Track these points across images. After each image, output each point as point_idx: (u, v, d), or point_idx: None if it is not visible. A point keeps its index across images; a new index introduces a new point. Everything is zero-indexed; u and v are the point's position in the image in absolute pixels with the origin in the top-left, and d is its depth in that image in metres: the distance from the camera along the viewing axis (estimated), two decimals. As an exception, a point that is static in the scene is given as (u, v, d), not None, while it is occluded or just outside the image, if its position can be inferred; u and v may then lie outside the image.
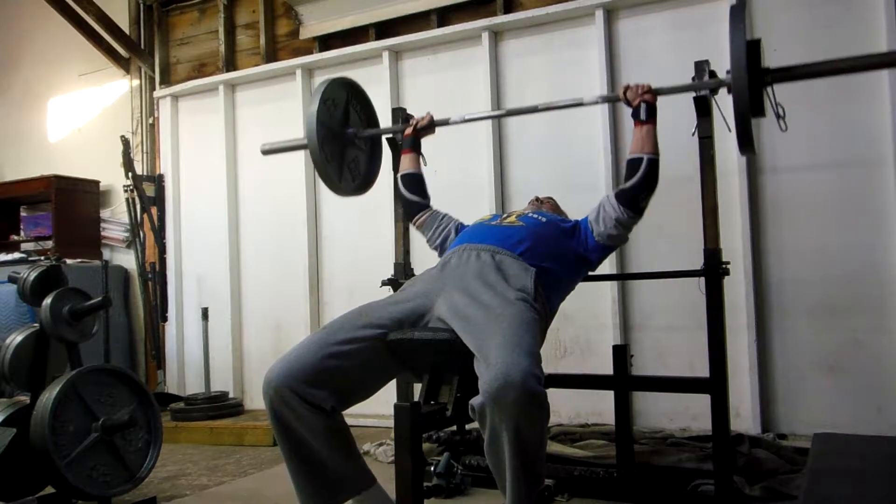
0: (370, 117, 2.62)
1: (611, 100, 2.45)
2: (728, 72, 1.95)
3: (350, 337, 1.86)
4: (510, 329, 1.70)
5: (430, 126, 2.52)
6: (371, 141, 2.63)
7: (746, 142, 1.95)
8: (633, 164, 2.07)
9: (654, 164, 2.06)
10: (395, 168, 2.71)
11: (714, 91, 2.13)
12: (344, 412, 1.91)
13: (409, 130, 2.52)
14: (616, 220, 2.08)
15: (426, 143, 2.67)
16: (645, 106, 2.10)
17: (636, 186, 2.06)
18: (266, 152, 2.71)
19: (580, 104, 2.34)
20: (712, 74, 2.13)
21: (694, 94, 2.13)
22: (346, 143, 2.50)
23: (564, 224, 2.21)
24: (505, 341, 1.65)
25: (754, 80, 1.91)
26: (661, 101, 2.18)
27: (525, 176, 3.52)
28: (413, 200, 2.45)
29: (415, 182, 2.47)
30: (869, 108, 2.89)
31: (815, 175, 2.96)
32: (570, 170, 3.38)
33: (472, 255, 2.03)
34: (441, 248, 2.38)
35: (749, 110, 1.90)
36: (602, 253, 2.17)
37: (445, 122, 2.51)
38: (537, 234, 2.10)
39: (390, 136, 2.69)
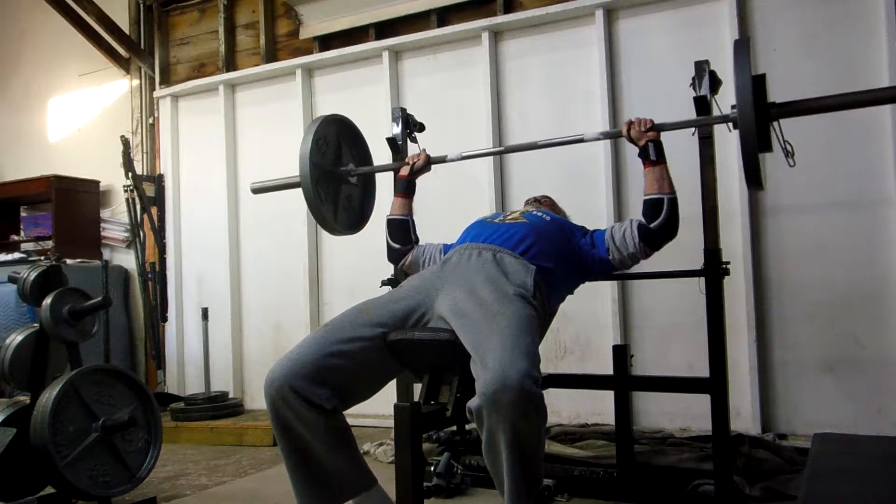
0: (362, 152, 2.60)
1: (613, 136, 2.39)
2: (733, 107, 1.94)
3: (351, 336, 1.86)
4: (508, 329, 1.70)
5: (427, 165, 2.46)
6: (364, 178, 2.61)
7: (754, 178, 1.93)
8: (654, 204, 2.04)
9: (674, 204, 2.04)
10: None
11: (714, 90, 2.13)
12: (344, 412, 1.90)
13: (404, 171, 2.46)
14: (632, 254, 2.08)
15: (426, 142, 2.68)
16: (653, 146, 2.07)
17: (662, 229, 2.04)
18: (256, 191, 2.68)
19: (581, 140, 2.29)
20: (712, 74, 2.12)
21: (694, 96, 2.13)
22: (340, 181, 2.48)
23: (570, 225, 2.20)
24: (502, 342, 1.65)
25: (760, 115, 1.88)
26: (661, 103, 2.18)
27: (525, 175, 3.52)
28: (395, 248, 2.41)
29: (402, 229, 2.41)
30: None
31: (814, 158, 2.96)
32: (570, 168, 3.38)
33: (474, 254, 2.03)
34: (427, 263, 2.36)
35: (756, 147, 1.87)
36: (605, 268, 2.16)
37: (442, 160, 2.46)
38: (540, 233, 2.10)
39: (390, 136, 2.68)
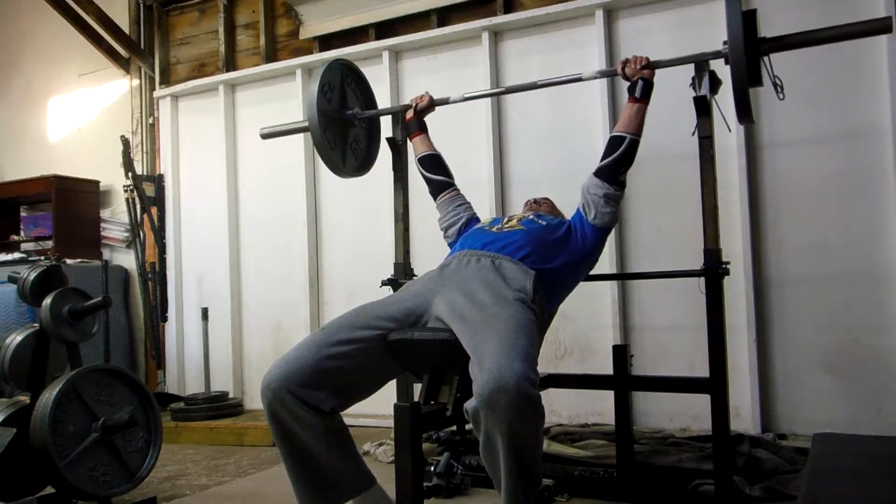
0: (367, 94, 2.67)
1: (610, 74, 2.48)
2: (725, 42, 1.97)
3: (348, 337, 1.86)
4: (505, 331, 1.70)
5: (430, 105, 2.56)
6: (369, 120, 2.69)
7: (745, 110, 2.00)
8: (616, 141, 2.15)
9: (634, 145, 2.14)
10: (395, 168, 2.71)
11: (714, 90, 2.13)
12: (344, 412, 1.91)
13: (409, 114, 2.57)
14: (604, 195, 2.13)
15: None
16: (642, 83, 2.16)
17: (615, 161, 2.13)
18: (266, 136, 2.76)
19: (579, 79, 2.38)
20: (712, 74, 2.13)
21: (694, 95, 2.13)
22: (347, 124, 2.56)
23: (560, 229, 2.21)
24: (500, 344, 1.65)
25: (751, 49, 1.94)
26: (662, 103, 2.18)
27: (525, 170, 3.52)
28: (436, 179, 2.50)
29: (434, 162, 2.51)
30: (868, 92, 2.90)
31: (814, 156, 2.96)
32: (570, 163, 3.37)
33: (472, 260, 2.03)
34: (446, 232, 2.44)
35: (746, 78, 1.93)
36: (600, 238, 2.19)
37: (445, 101, 2.55)
38: (538, 238, 2.11)
39: (390, 136, 2.68)
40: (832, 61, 2.95)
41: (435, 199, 2.51)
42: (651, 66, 2.17)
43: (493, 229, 2.20)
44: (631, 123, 2.14)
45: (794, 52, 2.98)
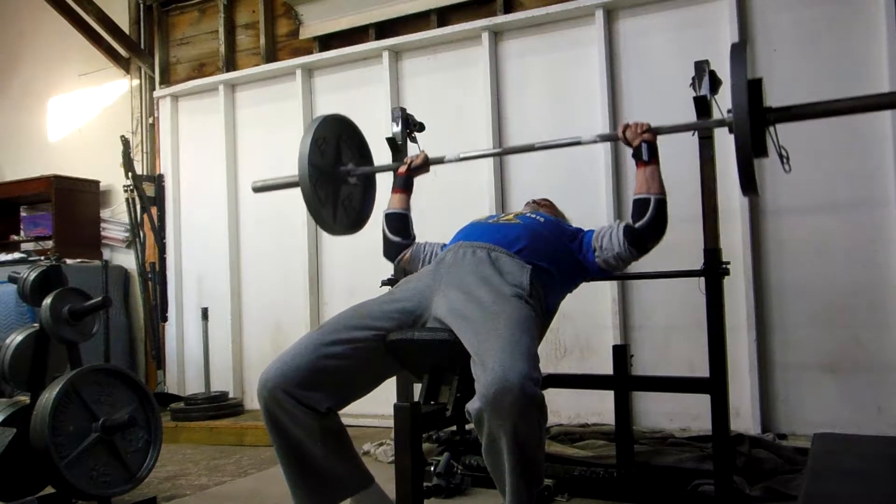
0: (363, 151, 2.58)
1: (610, 139, 2.38)
2: (729, 111, 1.93)
3: (345, 337, 1.86)
4: (507, 330, 1.69)
5: (425, 164, 2.46)
6: (364, 178, 2.59)
7: (750, 184, 1.91)
8: (641, 204, 2.03)
9: (662, 205, 2.03)
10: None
11: (714, 91, 2.13)
12: (343, 412, 1.90)
13: (402, 169, 2.46)
14: (617, 255, 2.06)
15: (426, 142, 2.68)
16: (646, 146, 2.06)
17: (646, 229, 2.02)
18: (257, 190, 2.68)
19: (578, 143, 2.27)
20: (712, 74, 2.12)
21: (694, 96, 2.13)
22: (340, 181, 2.46)
23: (565, 227, 2.20)
24: (501, 343, 1.64)
25: (756, 120, 1.86)
26: (661, 103, 2.18)
27: (525, 177, 3.51)
28: (395, 241, 2.40)
29: (401, 222, 2.41)
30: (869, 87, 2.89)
31: (815, 155, 2.96)
32: (570, 170, 3.38)
33: (468, 252, 2.02)
34: (420, 264, 2.35)
35: (752, 152, 1.86)
36: (595, 272, 2.16)
37: (440, 161, 2.46)
38: (535, 233, 2.10)
39: (390, 136, 2.68)
40: (834, 63, 2.95)
41: (393, 260, 2.43)
42: (652, 131, 2.09)
43: (490, 222, 2.19)
44: (651, 185, 2.03)
45: (795, 51, 3.01)
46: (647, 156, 2.06)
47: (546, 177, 3.42)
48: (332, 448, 1.86)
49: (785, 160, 1.95)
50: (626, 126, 2.12)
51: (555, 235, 2.14)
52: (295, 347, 1.85)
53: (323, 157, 2.38)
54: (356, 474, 1.91)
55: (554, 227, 2.18)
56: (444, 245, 2.33)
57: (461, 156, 2.44)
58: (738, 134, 1.85)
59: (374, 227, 3.75)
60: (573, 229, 2.21)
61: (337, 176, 2.45)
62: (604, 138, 2.47)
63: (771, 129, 1.95)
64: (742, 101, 1.82)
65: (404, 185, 2.45)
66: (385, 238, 2.43)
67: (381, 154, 2.73)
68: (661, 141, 2.10)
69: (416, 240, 2.43)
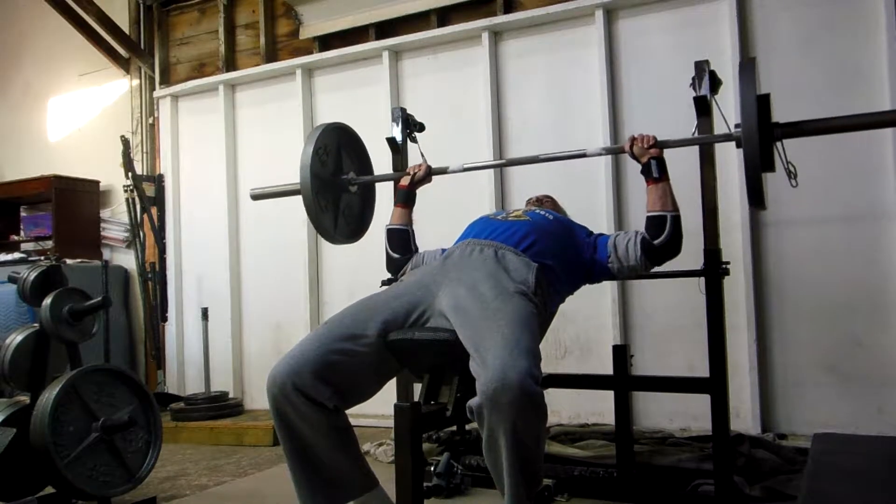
0: (363, 160, 2.59)
1: (615, 151, 2.39)
2: (737, 125, 1.93)
3: (353, 333, 1.86)
4: (508, 326, 1.69)
5: (428, 176, 2.46)
6: (364, 187, 2.60)
7: (757, 197, 1.93)
8: (657, 221, 2.04)
9: (677, 222, 2.04)
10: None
11: (714, 90, 2.13)
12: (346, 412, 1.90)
13: (405, 181, 2.46)
14: (633, 266, 2.08)
15: (426, 142, 2.67)
16: (655, 163, 2.06)
17: (665, 246, 2.03)
18: (256, 198, 2.69)
19: (583, 155, 2.28)
20: (712, 74, 2.13)
21: (694, 96, 2.13)
22: (340, 190, 2.47)
23: (575, 226, 2.20)
24: (502, 340, 1.64)
25: (764, 135, 1.87)
26: (661, 103, 2.18)
27: (525, 177, 3.51)
28: (396, 259, 2.41)
29: (402, 239, 2.42)
30: (871, 99, 2.90)
31: (815, 155, 2.95)
32: (571, 170, 3.37)
33: (476, 250, 2.02)
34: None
35: (760, 167, 1.87)
36: (606, 276, 2.17)
37: (444, 171, 2.46)
38: (543, 230, 2.09)
39: (390, 136, 2.68)
40: (834, 63, 2.95)
41: (395, 274, 2.43)
42: (658, 145, 2.09)
43: (499, 218, 2.19)
44: (665, 203, 2.04)
45: (795, 51, 3.01)
46: (658, 172, 2.07)
47: (546, 176, 3.41)
48: (340, 447, 1.85)
49: (792, 176, 1.96)
50: (633, 140, 2.12)
51: (563, 233, 2.14)
52: (302, 344, 1.85)
53: (324, 167, 2.39)
54: (361, 476, 1.91)
55: (563, 225, 2.18)
56: (444, 250, 2.33)
57: (465, 166, 2.44)
58: (746, 149, 1.86)
59: (375, 227, 3.76)
60: (582, 227, 2.21)
61: (338, 185, 2.46)
62: (609, 151, 2.49)
63: (778, 144, 1.96)
64: (751, 116, 1.83)
65: (406, 200, 2.46)
66: (387, 254, 2.44)
67: (380, 162, 2.73)
68: (661, 139, 2.10)
69: (419, 251, 2.44)
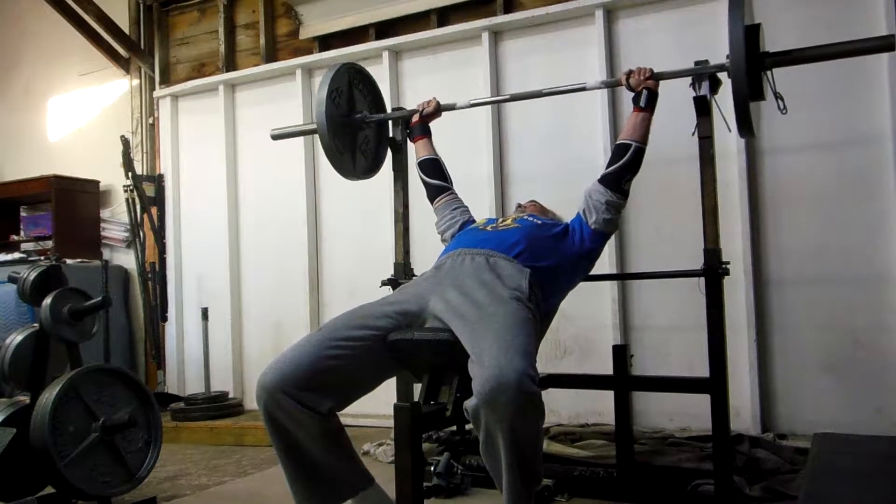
0: (375, 94, 2.70)
1: (613, 84, 2.50)
2: (728, 56, 1.97)
3: (345, 336, 1.86)
4: (504, 329, 1.70)
5: (437, 111, 2.59)
6: (378, 122, 2.70)
7: (746, 124, 1.99)
8: (621, 149, 2.14)
9: (640, 153, 2.14)
10: (395, 168, 2.71)
11: (714, 90, 2.13)
12: (343, 412, 1.90)
13: (415, 118, 2.60)
14: (607, 202, 2.12)
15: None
16: (647, 93, 2.16)
17: (621, 168, 2.12)
18: (276, 137, 2.79)
19: (583, 89, 2.40)
20: (712, 75, 2.13)
21: (694, 95, 2.14)
22: (356, 127, 2.58)
23: (556, 228, 2.21)
24: (498, 341, 1.65)
25: (753, 63, 1.94)
26: (661, 103, 2.18)
27: (525, 171, 3.52)
28: (433, 183, 2.52)
29: (433, 166, 2.53)
30: (868, 97, 2.90)
31: (815, 155, 2.96)
32: (570, 164, 3.38)
33: (467, 259, 2.03)
34: (443, 235, 2.45)
35: (748, 93, 1.94)
36: (598, 242, 2.18)
37: (452, 107, 2.57)
38: (532, 236, 2.11)
39: (390, 136, 2.69)
40: (833, 64, 2.94)
41: (432, 202, 2.52)
42: (655, 77, 2.18)
43: (488, 228, 2.20)
44: (636, 132, 2.15)
45: (794, 45, 3.00)
46: (646, 102, 2.17)
47: (546, 172, 3.43)
48: (333, 449, 1.86)
49: (781, 100, 2.05)
50: (630, 72, 2.23)
51: (551, 235, 2.16)
52: (294, 349, 1.84)
53: (338, 108, 2.50)
54: (356, 475, 1.91)
55: (550, 228, 2.20)
56: (470, 221, 2.44)
57: (471, 101, 2.59)
58: (735, 77, 1.94)
59: (375, 226, 3.78)
60: (561, 227, 2.21)
61: (353, 123, 2.56)
62: (607, 84, 2.62)
63: (768, 73, 2.00)
64: (739, 44, 1.91)
65: (422, 131, 2.59)
66: (424, 183, 2.54)
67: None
68: (662, 140, 2.11)
69: (453, 189, 2.54)
